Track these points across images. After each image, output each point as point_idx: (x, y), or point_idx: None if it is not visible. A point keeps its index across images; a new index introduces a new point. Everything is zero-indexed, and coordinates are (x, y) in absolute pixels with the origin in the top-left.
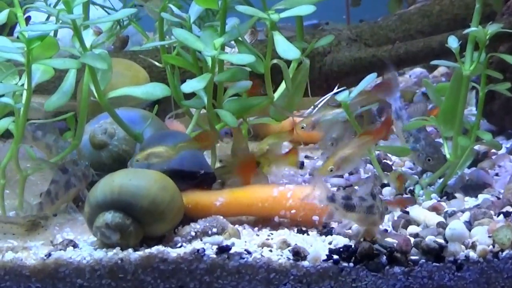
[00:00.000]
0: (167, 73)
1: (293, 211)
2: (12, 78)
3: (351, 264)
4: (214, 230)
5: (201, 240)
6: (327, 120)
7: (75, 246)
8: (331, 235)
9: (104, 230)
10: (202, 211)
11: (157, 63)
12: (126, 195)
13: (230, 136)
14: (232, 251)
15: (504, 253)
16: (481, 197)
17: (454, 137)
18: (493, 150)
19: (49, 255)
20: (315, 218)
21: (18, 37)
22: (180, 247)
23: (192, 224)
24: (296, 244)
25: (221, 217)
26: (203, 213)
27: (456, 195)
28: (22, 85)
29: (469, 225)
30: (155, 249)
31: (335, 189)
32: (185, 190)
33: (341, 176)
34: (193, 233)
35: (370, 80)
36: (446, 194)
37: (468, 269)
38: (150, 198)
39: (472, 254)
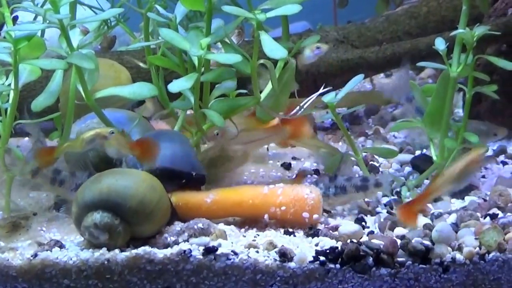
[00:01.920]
0: (151, 74)
1: (283, 208)
2: None
3: (338, 266)
4: (201, 226)
5: (188, 241)
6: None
7: (61, 246)
8: (318, 236)
9: (93, 230)
10: (192, 208)
11: (141, 64)
12: (115, 195)
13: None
14: (218, 252)
15: (491, 255)
16: (467, 199)
17: (440, 139)
18: None
19: (35, 255)
20: (305, 215)
21: (5, 37)
22: (167, 247)
23: (180, 225)
24: (282, 246)
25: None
26: (194, 211)
27: (443, 197)
28: (9, 85)
29: (456, 227)
30: (141, 250)
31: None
32: (173, 191)
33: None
34: (180, 233)
35: (357, 82)
36: None
37: (454, 271)
38: (138, 198)
39: (459, 256)
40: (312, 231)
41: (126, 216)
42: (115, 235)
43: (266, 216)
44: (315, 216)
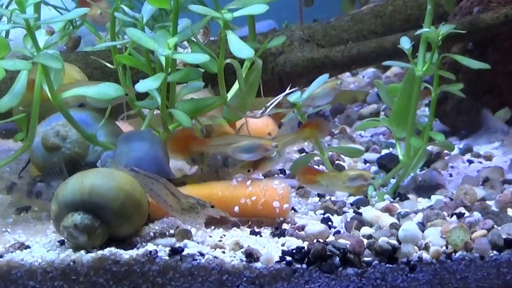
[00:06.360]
0: (118, 74)
1: (253, 198)
2: None
3: (304, 266)
4: (172, 231)
5: (156, 241)
6: None
7: (27, 248)
8: (284, 236)
9: (72, 230)
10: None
11: (108, 64)
12: (97, 196)
13: None
14: (184, 252)
15: (457, 254)
16: (434, 198)
17: (406, 138)
18: (446, 151)
19: (1, 256)
20: (276, 204)
21: None
22: (138, 248)
23: (151, 225)
24: (249, 246)
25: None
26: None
27: (409, 196)
28: None
29: (422, 226)
30: (107, 251)
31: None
32: None
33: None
34: (152, 234)
35: (322, 81)
36: (399, 195)
37: (421, 270)
38: (120, 201)
39: (425, 255)
40: (278, 231)
41: (107, 218)
42: (94, 236)
43: (236, 208)
44: (285, 205)
